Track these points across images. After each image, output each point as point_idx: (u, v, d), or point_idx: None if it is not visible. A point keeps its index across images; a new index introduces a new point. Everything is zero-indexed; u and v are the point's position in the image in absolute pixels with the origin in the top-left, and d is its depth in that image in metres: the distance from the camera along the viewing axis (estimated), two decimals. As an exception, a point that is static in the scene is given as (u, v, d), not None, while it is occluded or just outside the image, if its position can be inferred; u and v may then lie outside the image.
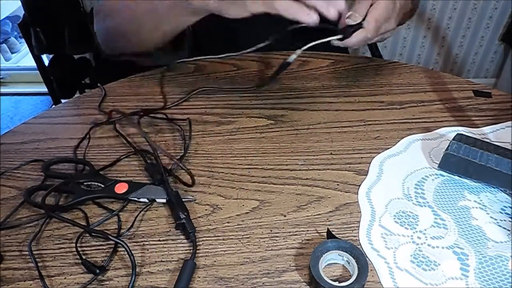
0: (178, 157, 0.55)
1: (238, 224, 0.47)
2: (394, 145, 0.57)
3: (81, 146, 0.59)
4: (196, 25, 0.92)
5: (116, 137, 0.60)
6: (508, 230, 0.45)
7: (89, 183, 0.51)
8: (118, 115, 0.63)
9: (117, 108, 0.65)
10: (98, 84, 0.71)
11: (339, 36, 0.58)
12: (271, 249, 0.44)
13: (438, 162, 0.51)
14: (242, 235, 0.46)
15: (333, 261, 0.43)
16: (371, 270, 0.42)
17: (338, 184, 0.51)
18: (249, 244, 0.45)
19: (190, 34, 0.98)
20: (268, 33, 0.83)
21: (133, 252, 0.43)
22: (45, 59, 1.90)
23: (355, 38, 0.58)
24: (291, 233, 0.46)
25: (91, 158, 0.57)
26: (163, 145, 0.59)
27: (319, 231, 0.46)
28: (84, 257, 0.43)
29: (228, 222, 0.47)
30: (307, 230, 0.46)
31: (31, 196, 0.50)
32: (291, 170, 0.54)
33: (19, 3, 1.77)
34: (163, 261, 0.43)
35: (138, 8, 0.66)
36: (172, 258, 0.44)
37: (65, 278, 0.42)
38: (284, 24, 0.81)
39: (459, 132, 0.53)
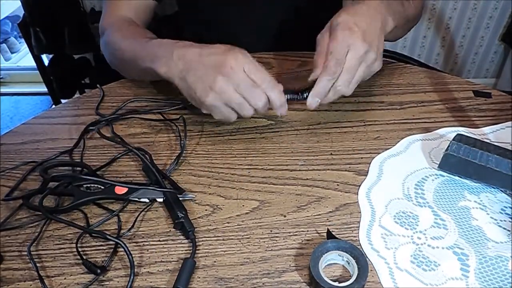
0: (176, 155, 0.55)
1: (238, 224, 0.47)
2: (394, 145, 0.57)
3: (79, 147, 0.59)
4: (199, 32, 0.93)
5: (113, 138, 0.60)
6: (508, 231, 0.45)
7: (88, 185, 0.51)
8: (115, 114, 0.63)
9: (116, 108, 0.65)
10: (97, 85, 0.71)
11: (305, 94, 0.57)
12: (271, 250, 0.44)
13: (438, 163, 0.51)
14: (242, 235, 0.46)
15: (333, 261, 0.43)
16: (371, 270, 0.42)
17: (338, 185, 0.51)
18: (249, 245, 0.45)
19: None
20: (267, 38, 0.83)
21: (132, 252, 0.43)
22: (45, 59, 1.91)
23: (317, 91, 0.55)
24: (291, 234, 0.46)
25: (90, 159, 0.57)
26: (162, 145, 0.59)
27: (319, 232, 0.46)
28: (84, 257, 0.43)
29: (228, 222, 0.47)
30: (307, 231, 0.46)
31: (29, 199, 0.50)
32: (291, 171, 0.54)
33: (19, 3, 1.78)
34: (163, 261, 0.43)
35: (126, 53, 0.66)
36: (172, 258, 0.44)
37: (65, 279, 0.42)
38: (280, 33, 0.82)
39: (459, 133, 0.53)
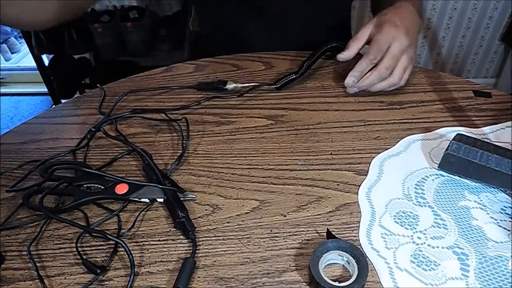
0: (177, 156, 0.56)
1: (238, 224, 0.47)
2: (394, 145, 0.57)
3: (80, 146, 0.59)
4: (200, 26, 0.93)
5: (116, 137, 0.60)
6: (508, 230, 0.45)
7: (89, 185, 0.51)
8: (117, 113, 0.63)
9: (117, 109, 0.66)
10: (98, 85, 0.71)
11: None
12: (271, 249, 0.44)
13: (438, 162, 0.51)
14: (242, 235, 0.46)
15: (333, 261, 0.43)
16: (371, 270, 0.42)
17: (338, 184, 0.51)
18: (249, 244, 0.45)
19: (191, 34, 0.98)
20: (275, 35, 0.83)
21: (133, 252, 0.43)
22: (45, 59, 1.91)
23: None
24: (291, 233, 0.46)
25: (91, 158, 0.57)
26: (163, 145, 0.59)
27: (319, 231, 0.46)
28: (84, 257, 0.43)
29: (228, 222, 0.47)
30: (307, 230, 0.46)
31: (29, 199, 0.50)
32: (291, 170, 0.54)
33: (19, 3, 1.77)
34: (163, 261, 0.43)
35: None
36: (172, 258, 0.44)
37: (65, 278, 0.42)
38: (289, 28, 0.82)
39: (459, 132, 0.53)
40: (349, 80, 0.64)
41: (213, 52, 0.79)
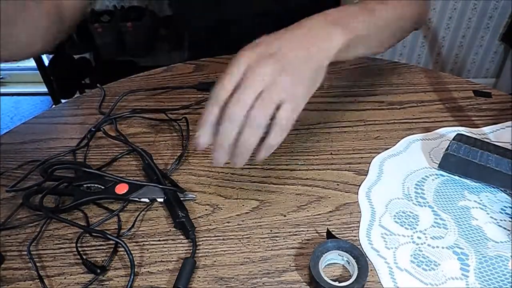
0: (177, 155, 0.56)
1: (238, 224, 0.47)
2: (394, 145, 0.57)
3: (80, 146, 0.59)
4: (196, 25, 0.93)
5: (116, 137, 0.60)
6: (508, 230, 0.45)
7: (89, 185, 0.51)
8: (118, 113, 0.63)
9: (117, 108, 0.66)
10: (98, 85, 0.71)
11: None
12: (271, 249, 0.44)
13: (438, 162, 0.51)
14: (242, 235, 0.46)
15: (333, 261, 0.43)
16: (371, 270, 0.42)
17: (338, 184, 0.51)
18: (249, 244, 0.45)
19: (191, 34, 0.98)
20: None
21: (133, 252, 0.43)
22: (45, 59, 1.91)
23: None
24: (291, 233, 0.46)
25: (91, 158, 0.57)
26: (163, 145, 0.59)
27: (319, 231, 0.46)
28: (84, 257, 0.43)
29: (228, 222, 0.47)
30: (307, 230, 0.46)
31: (29, 199, 0.50)
32: (291, 170, 0.54)
33: (19, 3, 1.77)
34: (163, 261, 0.43)
35: None
36: (172, 258, 0.44)
37: (65, 278, 0.42)
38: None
39: (459, 132, 0.53)
40: (201, 140, 0.41)
41: (213, 52, 0.79)
